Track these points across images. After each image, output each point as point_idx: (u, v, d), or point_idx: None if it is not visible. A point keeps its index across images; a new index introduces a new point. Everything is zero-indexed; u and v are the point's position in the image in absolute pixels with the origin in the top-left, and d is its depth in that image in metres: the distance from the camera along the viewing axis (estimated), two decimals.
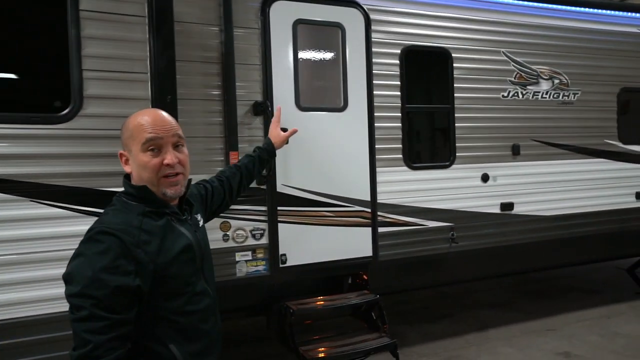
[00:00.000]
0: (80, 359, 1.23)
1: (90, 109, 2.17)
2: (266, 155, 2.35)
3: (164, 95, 2.13)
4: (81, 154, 2.19)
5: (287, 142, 2.74)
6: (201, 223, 1.69)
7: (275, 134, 2.41)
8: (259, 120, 3.50)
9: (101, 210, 2.04)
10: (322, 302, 3.62)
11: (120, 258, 1.31)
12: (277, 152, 2.88)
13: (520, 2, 4.51)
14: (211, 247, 3.26)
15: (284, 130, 2.59)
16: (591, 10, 4.88)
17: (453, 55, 4.21)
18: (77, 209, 2.12)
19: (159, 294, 1.40)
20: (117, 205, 1.46)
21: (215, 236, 3.39)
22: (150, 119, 1.46)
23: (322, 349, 3.29)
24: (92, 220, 2.21)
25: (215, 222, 3.39)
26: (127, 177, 1.51)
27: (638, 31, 5.16)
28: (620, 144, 5.08)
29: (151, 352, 1.40)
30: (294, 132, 2.45)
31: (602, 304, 5.58)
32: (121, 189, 1.51)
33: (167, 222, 1.46)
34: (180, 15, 3.22)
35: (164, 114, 1.50)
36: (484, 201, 4.37)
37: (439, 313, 5.50)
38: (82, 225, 2.21)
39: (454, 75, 4.22)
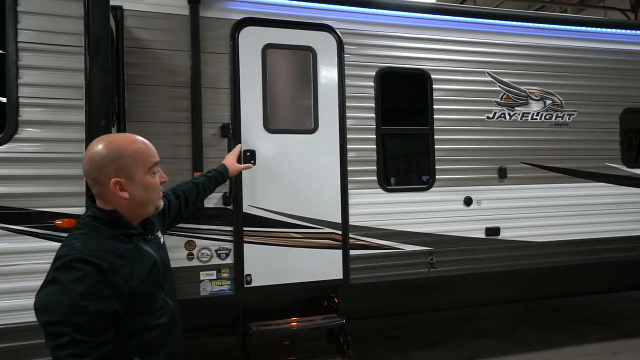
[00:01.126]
0: None
1: (25, 134, 2.33)
2: (220, 178, 2.46)
3: (99, 119, 2.24)
4: (15, 176, 2.35)
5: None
6: (162, 240, 1.75)
7: (231, 162, 2.51)
8: (227, 142, 3.58)
9: (29, 229, 2.18)
10: (284, 324, 3.60)
11: (98, 284, 1.36)
12: (245, 171, 3.22)
13: (506, 23, 4.41)
14: (176, 265, 3.38)
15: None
16: (588, 29, 4.70)
17: (432, 76, 4.16)
18: (11, 228, 2.28)
19: (129, 313, 1.46)
20: (84, 229, 1.48)
21: (179, 254, 3.47)
22: (144, 145, 1.57)
23: None
24: (26, 238, 2.35)
25: (180, 240, 3.49)
26: (93, 199, 1.55)
27: None
28: (624, 167, 4.80)
29: None
30: (249, 167, 2.52)
31: (612, 338, 5.22)
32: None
33: (135, 244, 1.53)
34: (148, 42, 3.41)
35: (145, 140, 1.61)
36: (467, 225, 4.24)
37: (431, 339, 5.31)
38: (16, 243, 2.36)
39: (434, 97, 4.16)
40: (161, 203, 1.65)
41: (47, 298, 1.34)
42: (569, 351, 4.89)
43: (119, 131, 3.31)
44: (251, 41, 3.65)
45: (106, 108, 2.27)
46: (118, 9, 3.31)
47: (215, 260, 3.55)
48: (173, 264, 3.35)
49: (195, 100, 3.47)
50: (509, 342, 5.15)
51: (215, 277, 3.55)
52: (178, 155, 3.48)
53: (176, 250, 3.47)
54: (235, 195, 3.55)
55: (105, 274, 1.38)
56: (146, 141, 1.60)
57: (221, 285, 3.56)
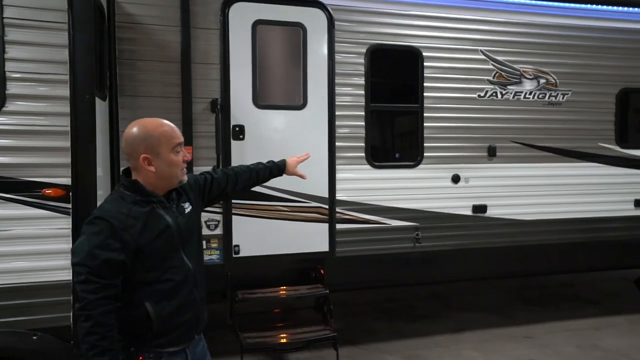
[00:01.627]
0: (79, 310, 1.64)
1: (12, 107, 2.44)
2: (276, 171, 2.51)
3: (83, 94, 2.35)
4: (3, 147, 2.48)
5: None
6: (187, 210, 1.94)
7: (291, 161, 2.53)
8: (214, 118, 3.67)
9: (19, 197, 2.34)
10: (270, 293, 3.76)
11: (109, 238, 1.67)
12: (234, 145, 3.51)
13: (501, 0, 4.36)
14: None
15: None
16: (585, 6, 4.62)
17: (423, 54, 4.17)
18: (2, 196, 2.44)
19: (141, 266, 1.75)
20: (115, 195, 1.83)
21: None
22: (170, 128, 1.85)
23: (262, 337, 3.43)
24: (16, 206, 2.52)
25: None
26: (125, 173, 1.88)
27: None
28: (618, 148, 4.80)
29: (131, 309, 1.75)
30: (303, 177, 2.56)
31: (597, 316, 5.33)
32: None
33: (152, 209, 1.79)
34: (139, 17, 3.48)
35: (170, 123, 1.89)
36: (453, 202, 4.32)
37: (421, 313, 5.48)
38: (7, 210, 2.53)
39: (424, 75, 4.18)
40: (185, 178, 1.89)
41: (76, 245, 1.72)
42: (553, 326, 5.01)
43: (110, 104, 3.42)
44: (241, 17, 3.69)
45: (90, 83, 2.37)
46: None
47: (205, 231, 3.68)
48: None
49: (185, 75, 3.55)
50: (496, 317, 5.29)
51: (204, 247, 3.70)
52: None
53: None
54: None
55: (116, 231, 1.68)
56: (172, 125, 1.86)
57: (210, 254, 3.71)
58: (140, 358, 1.79)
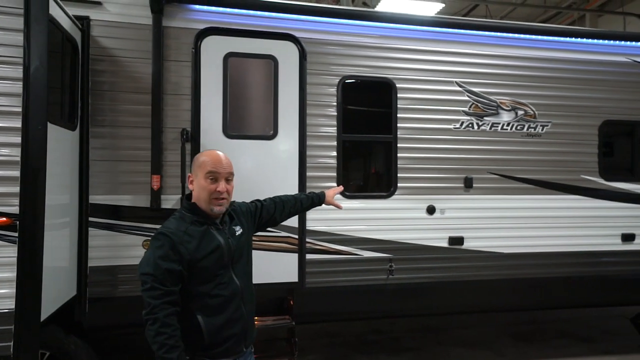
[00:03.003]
0: (146, 315, 1.90)
1: None
2: (317, 200, 2.75)
3: (35, 125, 2.43)
4: None
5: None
6: (238, 233, 2.21)
7: (329, 192, 2.82)
8: (186, 147, 3.73)
9: None
10: None
11: (170, 250, 1.95)
12: None
13: (476, 32, 4.39)
14: (134, 262, 3.54)
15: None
16: (563, 39, 4.62)
17: (397, 85, 4.20)
18: None
19: (194, 278, 2.00)
20: (177, 215, 2.12)
21: (137, 253, 3.65)
22: (211, 159, 2.11)
23: None
24: None
25: (137, 239, 3.66)
26: (188, 196, 2.18)
27: (626, 60, 4.79)
28: (602, 181, 4.70)
29: (186, 319, 1.99)
30: (339, 206, 2.89)
31: (589, 354, 5.11)
32: None
33: (206, 229, 2.07)
34: (113, 50, 3.61)
35: (222, 156, 2.15)
36: (429, 234, 4.26)
37: (405, 346, 5.33)
38: None
39: (398, 106, 4.20)
40: (216, 209, 2.10)
41: (144, 257, 2.01)
42: None
43: (81, 135, 3.52)
44: (213, 50, 3.80)
45: (42, 115, 2.45)
46: (85, 19, 3.51)
47: None
48: (131, 262, 3.56)
49: (156, 106, 3.64)
50: (484, 352, 5.12)
51: None
52: (137, 158, 3.66)
53: (134, 249, 3.65)
54: None
55: (175, 245, 1.96)
56: (216, 156, 2.13)
57: None
58: None
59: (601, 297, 4.79)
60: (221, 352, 2.04)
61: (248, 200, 2.50)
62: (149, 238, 3.68)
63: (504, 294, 4.44)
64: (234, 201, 2.31)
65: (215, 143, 3.78)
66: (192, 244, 2.00)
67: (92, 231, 3.56)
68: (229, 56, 3.83)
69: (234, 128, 3.84)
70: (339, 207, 2.84)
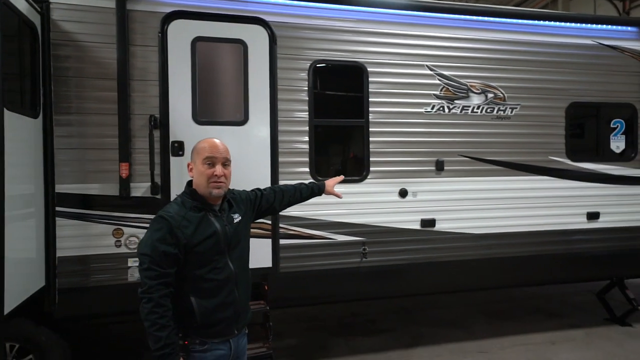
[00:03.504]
0: (141, 293, 1.98)
1: None
2: (317, 190, 2.80)
3: None
4: None
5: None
6: (236, 220, 2.26)
7: (329, 182, 2.87)
8: (155, 133, 3.67)
9: None
10: None
11: (167, 234, 2.02)
12: (173, 162, 3.65)
13: (446, 16, 4.41)
14: (103, 252, 3.49)
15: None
16: (532, 22, 4.68)
17: (368, 69, 4.20)
18: None
19: (190, 262, 2.07)
20: (178, 199, 2.19)
21: (107, 242, 3.61)
22: (209, 145, 2.20)
23: None
24: None
25: (108, 228, 3.61)
26: (189, 183, 2.23)
27: (592, 43, 4.89)
28: (569, 161, 4.82)
29: (180, 301, 2.06)
30: (339, 195, 2.90)
31: (558, 329, 5.30)
32: None
33: (204, 215, 2.14)
34: (75, 35, 3.50)
35: (219, 143, 2.23)
36: (401, 217, 4.31)
37: (381, 327, 5.43)
38: None
39: (369, 90, 4.21)
40: (215, 191, 2.16)
41: (142, 238, 2.09)
42: (510, 340, 4.98)
43: (44, 123, 3.43)
44: (180, 34, 3.72)
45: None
46: (44, 2, 3.39)
47: None
48: (102, 251, 3.52)
49: (122, 92, 3.56)
50: (455, 331, 5.25)
51: None
52: (105, 146, 3.59)
53: (104, 238, 3.60)
54: (163, 184, 3.66)
55: (173, 229, 2.02)
56: (212, 143, 2.21)
57: None
58: (186, 342, 2.08)
59: (569, 273, 4.95)
60: (213, 333, 2.12)
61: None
62: (120, 227, 3.64)
63: (476, 273, 4.55)
64: (233, 189, 2.39)
65: (184, 129, 3.73)
66: (190, 228, 2.06)
67: (59, 221, 3.49)
68: (197, 40, 3.75)
69: (203, 114, 3.79)
70: (339, 196, 2.88)
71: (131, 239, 3.66)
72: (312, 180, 2.76)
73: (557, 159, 4.77)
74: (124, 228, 3.64)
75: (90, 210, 3.58)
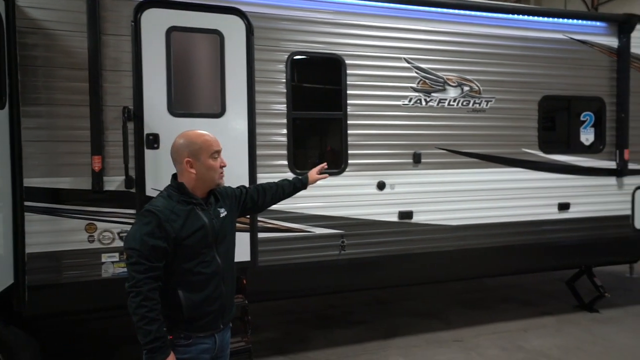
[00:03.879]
0: (129, 287, 1.95)
1: None
2: (299, 184, 2.79)
3: None
4: None
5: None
6: (223, 214, 2.26)
7: (311, 173, 2.86)
8: (129, 125, 3.57)
9: None
10: None
11: (156, 228, 2.00)
12: (148, 155, 3.54)
13: (423, 9, 4.43)
14: (75, 247, 3.39)
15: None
16: (506, 15, 4.75)
17: (346, 61, 4.19)
18: None
19: (178, 256, 2.06)
20: (164, 193, 2.16)
21: (79, 237, 3.50)
22: (211, 138, 2.19)
23: None
24: None
25: (80, 223, 3.51)
26: (174, 176, 2.20)
27: (564, 37, 5.00)
28: (541, 154, 4.94)
29: (167, 294, 2.05)
30: (325, 177, 2.89)
31: (530, 317, 5.46)
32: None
33: (192, 208, 2.13)
34: (42, 22, 3.36)
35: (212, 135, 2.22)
36: (379, 209, 4.34)
37: (358, 319, 5.48)
38: None
39: (347, 82, 4.20)
40: (222, 182, 2.23)
41: (129, 232, 2.07)
42: (484, 328, 5.10)
43: (11, 114, 3.28)
44: (154, 23, 3.62)
45: None
46: None
47: (118, 243, 3.58)
48: (74, 247, 3.42)
49: (94, 83, 3.45)
50: (431, 321, 5.35)
51: (117, 259, 3.59)
52: (77, 138, 3.47)
53: (76, 233, 3.50)
54: (138, 178, 3.58)
55: (162, 223, 2.01)
56: (211, 136, 2.20)
57: (124, 267, 3.59)
58: (171, 337, 2.05)
59: (541, 263, 5.10)
60: (199, 327, 2.12)
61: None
62: (93, 221, 3.54)
63: (452, 264, 4.63)
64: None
65: (160, 121, 3.64)
66: (178, 222, 2.05)
67: (29, 216, 3.37)
68: (171, 30, 3.66)
69: (179, 106, 3.71)
70: (324, 177, 2.89)
71: (105, 234, 3.57)
72: (295, 176, 2.76)
73: (530, 151, 4.89)
74: (97, 223, 3.54)
75: (61, 205, 3.47)
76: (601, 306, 5.60)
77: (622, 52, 5.15)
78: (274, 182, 2.72)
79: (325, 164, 2.96)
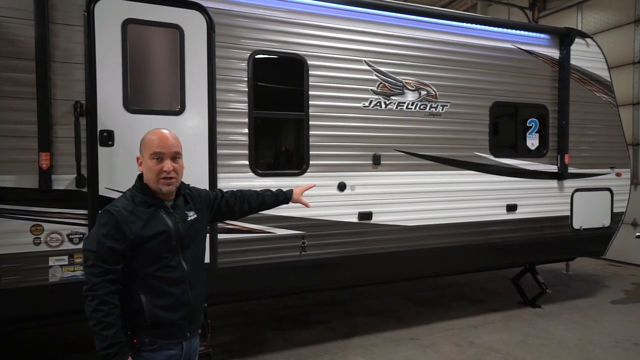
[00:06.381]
0: (86, 291, 1.89)
1: None
2: (282, 197, 2.70)
3: None
4: None
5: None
6: (191, 218, 2.16)
7: (297, 190, 2.78)
8: (81, 121, 3.37)
9: None
10: None
11: (113, 229, 1.93)
12: (101, 152, 3.39)
13: (384, 13, 4.52)
14: (19, 250, 3.16)
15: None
16: (461, 24, 4.94)
17: (308, 62, 4.18)
18: None
19: (138, 259, 1.98)
20: (127, 193, 2.08)
21: (24, 239, 3.27)
22: (157, 138, 2.06)
23: None
24: None
25: (24, 225, 3.27)
26: (140, 176, 2.11)
27: (512, 47, 5.27)
28: (492, 157, 5.17)
29: (129, 298, 1.98)
30: (307, 205, 2.81)
31: (479, 313, 5.69)
32: None
33: (154, 210, 2.04)
34: None
35: (168, 134, 2.09)
36: (340, 210, 4.37)
37: (316, 319, 5.48)
38: None
39: (309, 83, 4.20)
40: (165, 188, 2.06)
41: (89, 233, 2.09)
42: (438, 326, 5.26)
43: None
44: (109, 14, 3.44)
45: None
46: None
47: (67, 245, 3.38)
48: (18, 250, 3.19)
49: (42, 74, 3.23)
50: (387, 320, 5.45)
51: (67, 263, 3.38)
52: (22, 133, 3.24)
53: (20, 235, 3.26)
54: (90, 177, 3.39)
55: (119, 224, 1.93)
56: (161, 135, 2.07)
57: (74, 270, 3.40)
58: (135, 341, 1.99)
59: (490, 261, 5.33)
60: (164, 334, 2.03)
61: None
62: (39, 223, 3.31)
63: (408, 264, 4.74)
64: (193, 187, 2.31)
65: (115, 118, 3.47)
66: (137, 224, 1.97)
67: None
68: (128, 23, 3.50)
69: (136, 102, 3.55)
70: (306, 205, 2.79)
71: (53, 235, 3.34)
72: (280, 189, 2.72)
73: (481, 155, 5.10)
74: (44, 224, 3.32)
75: (3, 205, 3.22)
76: (542, 302, 5.94)
77: (563, 63, 5.50)
78: (255, 190, 2.62)
79: (314, 184, 3.00)
